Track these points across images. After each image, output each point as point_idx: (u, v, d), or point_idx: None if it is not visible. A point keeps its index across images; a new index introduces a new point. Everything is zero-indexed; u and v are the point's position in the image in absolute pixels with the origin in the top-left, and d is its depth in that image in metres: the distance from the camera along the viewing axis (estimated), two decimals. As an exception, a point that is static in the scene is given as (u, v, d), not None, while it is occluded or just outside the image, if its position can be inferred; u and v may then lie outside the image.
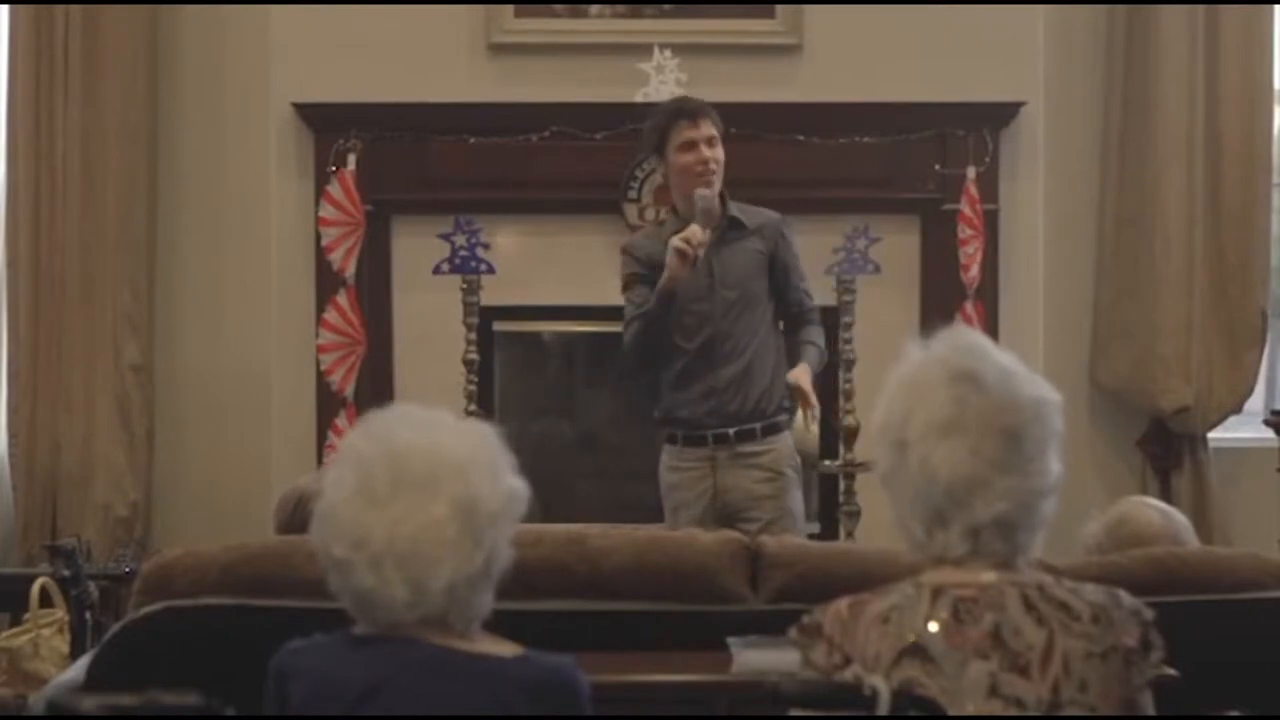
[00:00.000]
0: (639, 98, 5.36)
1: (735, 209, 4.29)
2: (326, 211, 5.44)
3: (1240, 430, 6.05)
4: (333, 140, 5.50)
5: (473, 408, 4.79)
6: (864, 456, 4.59)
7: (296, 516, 3.08)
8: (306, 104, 5.54)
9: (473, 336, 4.89)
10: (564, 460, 5.83)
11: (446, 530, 1.93)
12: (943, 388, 1.96)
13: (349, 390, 5.38)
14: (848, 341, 4.71)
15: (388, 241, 5.63)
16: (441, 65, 5.58)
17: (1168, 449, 5.97)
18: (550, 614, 2.75)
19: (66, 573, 4.26)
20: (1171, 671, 2.00)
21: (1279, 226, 6.04)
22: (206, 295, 5.95)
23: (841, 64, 5.59)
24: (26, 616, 4.36)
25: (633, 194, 5.56)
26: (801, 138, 5.56)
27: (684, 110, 4.29)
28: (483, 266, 5.02)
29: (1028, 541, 1.99)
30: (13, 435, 5.83)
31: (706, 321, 4.22)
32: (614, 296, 4.39)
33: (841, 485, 4.73)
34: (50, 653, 4.28)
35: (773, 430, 4.26)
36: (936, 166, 5.57)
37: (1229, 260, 5.93)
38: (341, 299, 5.40)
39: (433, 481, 1.94)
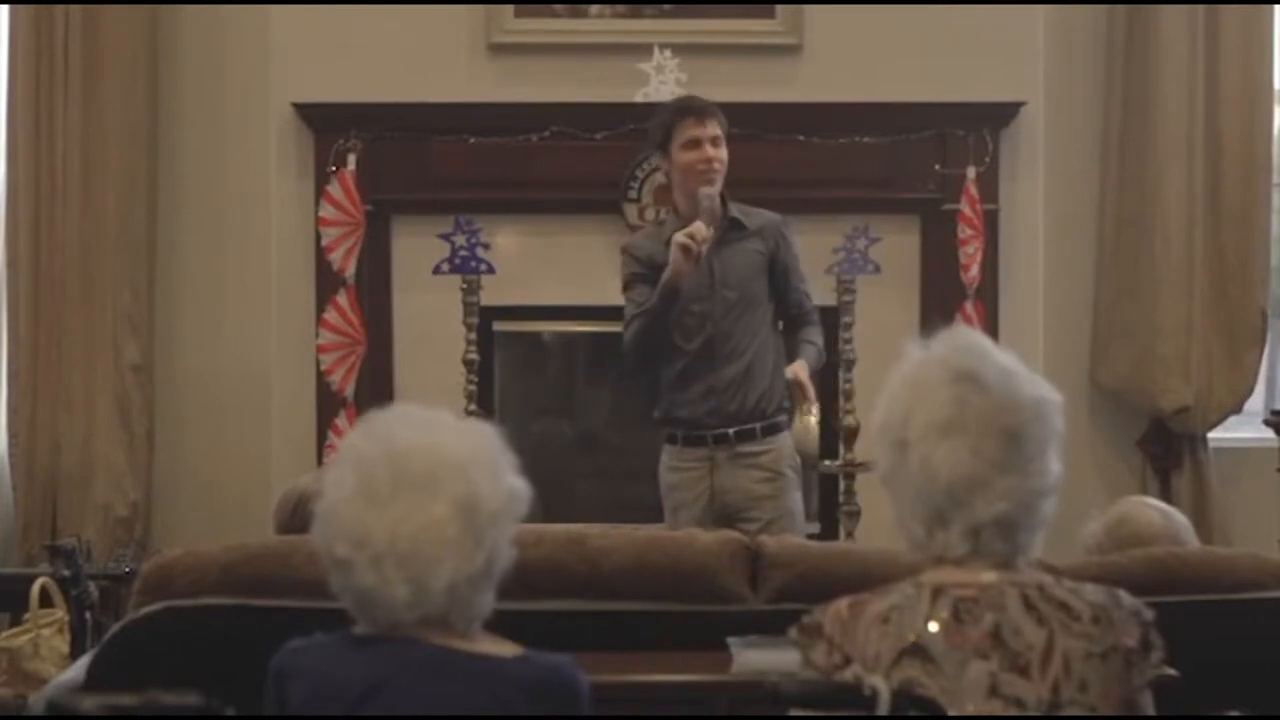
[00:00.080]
0: (639, 98, 5.36)
1: (736, 210, 4.29)
2: (326, 211, 5.44)
3: (1240, 430, 6.05)
4: (333, 140, 5.51)
5: (473, 408, 4.79)
6: (864, 456, 4.59)
7: (296, 516, 3.08)
8: (306, 104, 5.55)
9: (473, 336, 4.89)
10: (564, 460, 5.83)
11: (447, 530, 1.93)
12: (943, 387, 1.96)
13: (349, 390, 5.38)
14: (848, 341, 4.71)
15: (388, 241, 5.63)
16: (441, 65, 5.58)
17: (1168, 449, 5.97)
18: (550, 614, 2.75)
19: (66, 573, 4.26)
20: (1171, 671, 2.00)
21: (1279, 226, 6.04)
22: (206, 295, 5.95)
23: (841, 64, 5.59)
24: (26, 616, 4.36)
25: (633, 194, 5.56)
26: (801, 138, 5.56)
27: (691, 108, 4.29)
28: (483, 266, 5.02)
29: (1028, 541, 1.99)
30: (13, 435, 5.83)
31: (707, 322, 4.22)
32: (614, 296, 4.39)
33: (841, 485, 4.73)
34: (50, 653, 4.28)
35: (773, 430, 4.26)
36: (936, 166, 5.58)
37: (1229, 260, 5.93)
38: (341, 299, 5.40)
39: (433, 481, 1.94)
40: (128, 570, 4.72)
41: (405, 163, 5.56)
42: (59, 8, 5.75)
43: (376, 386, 5.45)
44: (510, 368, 5.83)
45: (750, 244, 4.28)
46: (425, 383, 5.35)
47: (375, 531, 1.93)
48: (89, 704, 1.64)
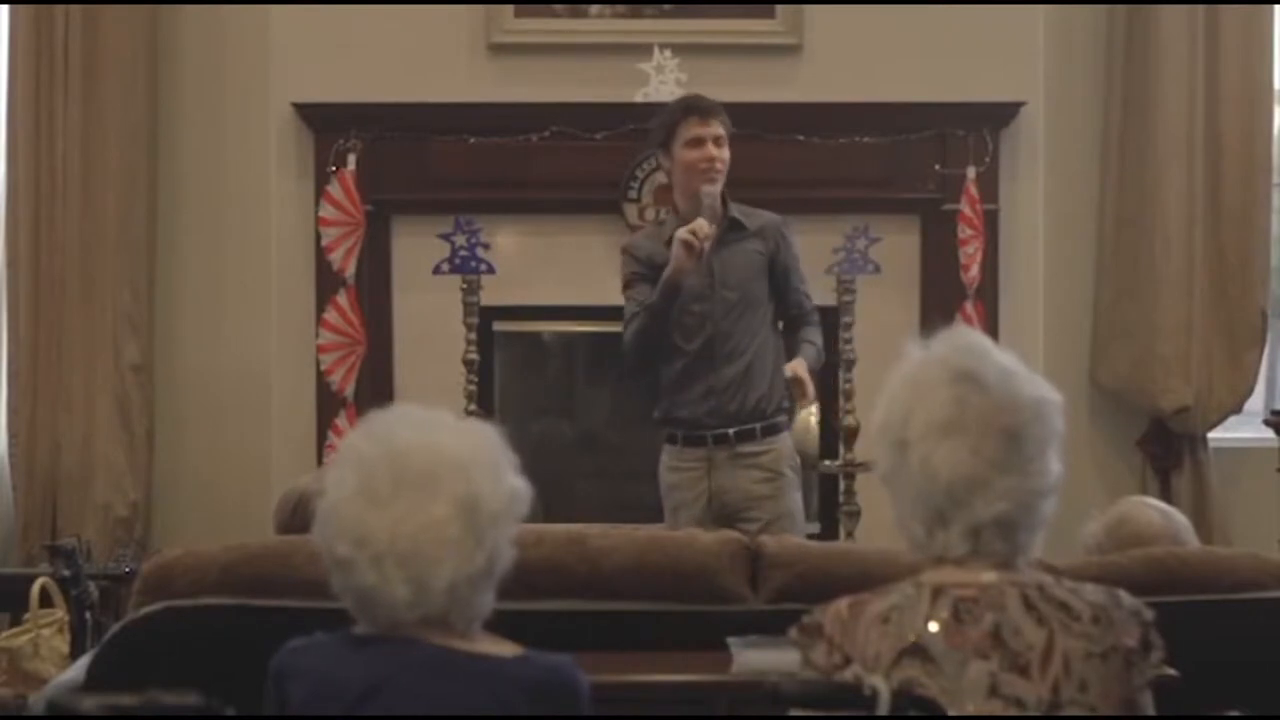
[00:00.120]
0: (639, 98, 5.36)
1: (736, 210, 4.29)
2: (326, 211, 5.44)
3: (1240, 430, 6.05)
4: (333, 140, 5.51)
5: (473, 408, 4.79)
6: (864, 456, 4.59)
7: (296, 516, 3.08)
8: (306, 104, 5.55)
9: (473, 336, 4.89)
10: (564, 460, 5.83)
11: (448, 530, 1.93)
12: (943, 387, 1.96)
13: (349, 390, 5.38)
14: (848, 341, 4.71)
15: (388, 241, 5.63)
16: (441, 65, 5.58)
17: (1168, 449, 5.97)
18: (550, 614, 2.75)
19: (66, 573, 4.26)
20: (1171, 671, 2.00)
21: (1279, 226, 6.04)
22: (206, 295, 5.95)
23: (841, 64, 5.59)
24: (26, 616, 4.36)
25: (633, 194, 5.56)
26: (802, 138, 5.56)
27: (695, 107, 4.29)
28: (483, 266, 5.02)
29: (1028, 541, 1.99)
30: (13, 435, 5.83)
31: (707, 322, 4.21)
32: (614, 296, 4.39)
33: (841, 485, 4.73)
34: (50, 653, 4.27)
35: (772, 430, 4.26)
36: (936, 166, 5.58)
37: (1229, 260, 5.93)
38: (341, 299, 5.40)
39: (434, 481, 1.94)
40: (128, 570, 4.72)
41: (405, 163, 5.56)
42: (59, 8, 5.75)
43: (376, 386, 5.45)
44: (510, 368, 5.83)
45: (750, 244, 4.28)
46: (425, 383, 5.34)
47: (376, 531, 1.93)
48: (89, 704, 1.64)
